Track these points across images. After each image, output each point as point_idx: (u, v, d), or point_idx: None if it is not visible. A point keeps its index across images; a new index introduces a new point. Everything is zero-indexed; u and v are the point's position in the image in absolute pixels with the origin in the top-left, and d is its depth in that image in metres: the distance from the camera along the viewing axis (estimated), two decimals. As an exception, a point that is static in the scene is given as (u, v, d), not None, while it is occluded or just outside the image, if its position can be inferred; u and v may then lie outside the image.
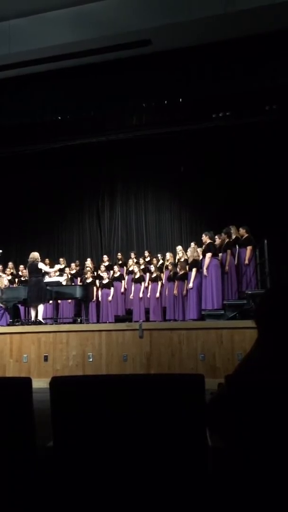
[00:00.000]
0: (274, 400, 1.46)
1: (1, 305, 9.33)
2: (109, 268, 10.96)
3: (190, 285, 8.58)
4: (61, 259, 11.60)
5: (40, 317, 8.57)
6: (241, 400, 1.48)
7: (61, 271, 10.79)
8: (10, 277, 10.63)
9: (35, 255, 8.84)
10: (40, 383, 2.58)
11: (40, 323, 8.41)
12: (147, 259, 11.08)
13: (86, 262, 11.25)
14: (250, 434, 1.46)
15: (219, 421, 1.54)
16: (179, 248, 10.23)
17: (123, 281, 10.67)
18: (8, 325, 8.87)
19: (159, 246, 12.17)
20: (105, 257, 11.36)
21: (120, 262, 11.30)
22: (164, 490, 1.52)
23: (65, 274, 10.39)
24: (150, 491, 1.53)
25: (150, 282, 10.03)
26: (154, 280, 9.92)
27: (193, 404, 1.53)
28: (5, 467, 1.68)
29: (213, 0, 7.28)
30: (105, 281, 10.38)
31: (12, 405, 1.70)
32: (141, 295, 10.01)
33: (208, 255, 8.21)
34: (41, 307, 8.71)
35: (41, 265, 8.86)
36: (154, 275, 9.95)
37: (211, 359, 6.59)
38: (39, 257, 8.94)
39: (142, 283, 10.08)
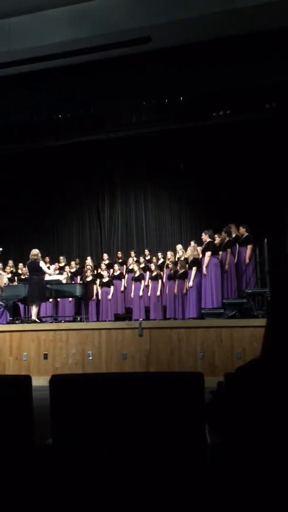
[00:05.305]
0: (273, 396, 1.46)
1: (1, 303, 9.33)
2: (109, 267, 10.95)
3: (190, 283, 8.58)
4: (61, 257, 11.60)
5: (34, 316, 8.54)
6: (240, 397, 1.48)
7: (61, 269, 10.78)
8: (9, 275, 10.62)
9: (36, 252, 8.75)
10: (39, 381, 2.58)
11: (34, 321, 8.40)
12: (147, 257, 11.08)
13: (86, 261, 11.24)
14: (249, 430, 1.46)
15: (218, 418, 1.54)
16: (179, 246, 10.21)
17: (123, 280, 10.67)
18: (7, 323, 8.87)
19: (159, 244, 12.17)
20: (105, 256, 11.35)
21: (120, 260, 11.30)
22: (163, 487, 1.53)
23: (64, 273, 10.38)
24: (149, 488, 1.53)
25: (150, 280, 10.03)
26: (154, 278, 9.92)
27: (192, 402, 1.53)
28: (5, 464, 1.69)
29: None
30: (105, 279, 10.38)
31: (11, 403, 1.70)
32: (141, 293, 10.01)
33: (208, 253, 8.20)
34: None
35: (42, 264, 8.85)
36: (154, 273, 9.95)
37: (211, 358, 6.60)
38: (39, 254, 8.90)
39: (142, 282, 10.08)
